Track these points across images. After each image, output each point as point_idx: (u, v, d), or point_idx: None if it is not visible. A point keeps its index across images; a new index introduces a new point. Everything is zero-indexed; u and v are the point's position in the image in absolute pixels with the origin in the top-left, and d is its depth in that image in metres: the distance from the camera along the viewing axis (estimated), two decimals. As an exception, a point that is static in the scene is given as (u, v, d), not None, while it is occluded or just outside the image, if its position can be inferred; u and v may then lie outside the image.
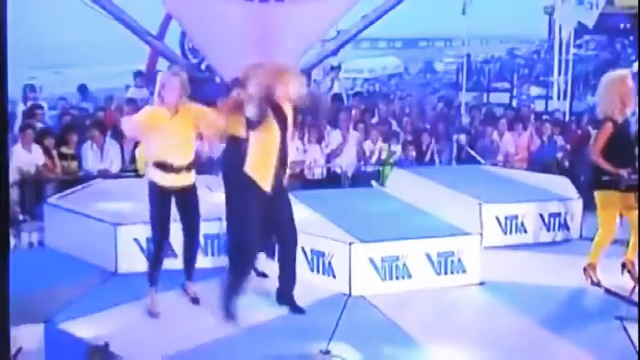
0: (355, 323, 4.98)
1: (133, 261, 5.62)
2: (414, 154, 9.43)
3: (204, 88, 9.51)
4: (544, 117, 11.27)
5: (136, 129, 5.11)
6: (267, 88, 4.68)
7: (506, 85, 23.46)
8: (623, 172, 5.47)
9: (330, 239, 5.57)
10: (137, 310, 5.06)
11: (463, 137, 9.83)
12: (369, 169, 9.34)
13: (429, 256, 5.56)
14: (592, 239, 5.80)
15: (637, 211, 5.59)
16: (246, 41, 8.85)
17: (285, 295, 5.07)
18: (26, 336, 4.81)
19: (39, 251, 6.64)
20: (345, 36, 10.86)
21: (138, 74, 10.50)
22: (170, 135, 4.88)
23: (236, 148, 5.08)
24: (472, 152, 9.52)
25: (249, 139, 4.82)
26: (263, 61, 5.38)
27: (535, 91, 21.98)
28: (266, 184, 4.77)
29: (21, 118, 9.08)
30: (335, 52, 10.83)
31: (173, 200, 4.99)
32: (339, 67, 11.33)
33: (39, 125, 8.73)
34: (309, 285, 5.44)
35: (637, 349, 4.38)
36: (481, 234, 5.80)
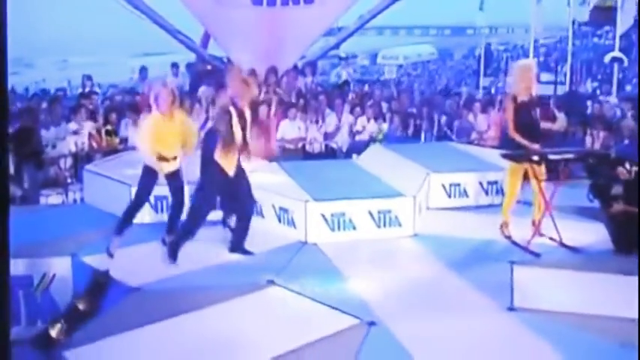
0: (304, 263, 5.91)
1: (143, 214, 6.64)
2: (400, 132, 10.21)
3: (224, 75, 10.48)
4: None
5: (144, 142, 5.93)
6: (231, 100, 5.60)
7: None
8: (533, 146, 6.18)
9: (293, 198, 6.50)
10: (141, 250, 6.10)
11: (444, 119, 10.53)
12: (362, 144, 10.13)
13: (370, 213, 6.43)
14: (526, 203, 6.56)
15: (542, 182, 6.32)
16: (257, 38, 9.76)
17: (236, 245, 6.01)
18: (59, 265, 5.90)
19: (80, 205, 7.79)
20: (345, 32, 11.66)
21: (174, 65, 11.49)
22: (163, 134, 5.82)
23: (212, 139, 5.96)
24: (448, 131, 10.23)
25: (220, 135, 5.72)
26: (231, 73, 6.18)
27: (545, 77, 22.21)
28: (230, 170, 5.71)
29: (77, 101, 10.17)
30: (337, 46, 11.65)
31: (164, 180, 5.96)
32: (346, 58, 12.09)
33: (91, 107, 9.82)
34: (275, 234, 6.41)
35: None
36: (415, 196, 6.58)
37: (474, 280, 5.53)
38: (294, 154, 9.88)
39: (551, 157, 6.19)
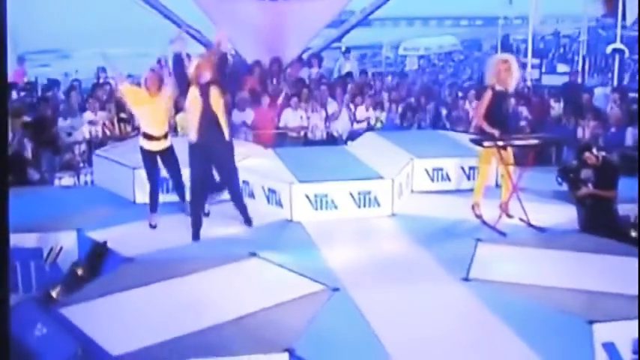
0: (286, 239, 6.50)
1: (145, 194, 7.25)
2: (397, 121, 10.72)
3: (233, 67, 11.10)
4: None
5: (124, 94, 6.63)
6: (196, 74, 6.14)
7: (536, 61, 23.95)
8: (497, 133, 6.65)
9: (280, 181, 7.07)
10: (142, 226, 6.74)
11: (444, 111, 11.00)
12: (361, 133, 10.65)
13: (351, 194, 6.98)
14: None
15: (510, 167, 6.80)
16: (261, 31, 10.33)
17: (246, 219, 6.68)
18: (66, 238, 6.57)
19: (90, 187, 8.48)
20: (347, 24, 12.17)
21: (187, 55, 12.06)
22: (151, 114, 6.46)
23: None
24: (445, 120, 10.70)
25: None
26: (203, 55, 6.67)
27: (562, 67, 22.38)
28: (193, 135, 6.24)
29: (91, 91, 10.86)
30: (339, 38, 12.17)
31: (159, 158, 6.59)
32: (348, 51, 12.58)
33: (104, 97, 10.50)
34: (264, 213, 6.99)
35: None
36: (393, 179, 7.10)
37: (438, 254, 6.05)
38: (297, 142, 10.47)
39: (516, 142, 6.65)
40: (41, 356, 4.12)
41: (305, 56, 11.91)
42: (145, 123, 6.52)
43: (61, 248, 6.54)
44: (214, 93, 6.17)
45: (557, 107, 11.07)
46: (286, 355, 4.32)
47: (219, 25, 10.85)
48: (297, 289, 5.28)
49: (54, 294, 5.20)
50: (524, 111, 10.92)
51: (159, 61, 10.94)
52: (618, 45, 13.20)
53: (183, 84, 6.20)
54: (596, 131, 9.64)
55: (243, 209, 6.68)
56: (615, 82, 13.27)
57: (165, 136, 6.59)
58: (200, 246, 6.29)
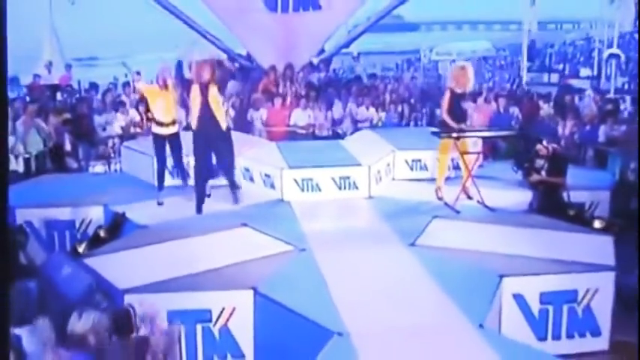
0: (273, 213, 7.84)
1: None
2: (395, 120, 11.97)
3: (249, 71, 12.57)
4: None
5: (141, 91, 8.08)
6: (197, 75, 7.54)
7: (560, 66, 24.83)
8: (455, 126, 7.85)
9: (273, 167, 8.42)
10: (151, 203, 8.15)
11: (438, 111, 12.17)
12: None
13: (333, 179, 8.29)
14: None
15: (465, 154, 7.99)
16: (274, 39, 11.73)
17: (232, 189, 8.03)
18: (94, 212, 8.04)
19: (119, 173, 10.00)
20: (355, 32, 13.51)
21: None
22: (161, 104, 7.88)
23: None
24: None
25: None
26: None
27: (585, 72, 23.17)
28: (194, 125, 7.65)
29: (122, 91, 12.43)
30: (347, 45, 13.49)
31: (167, 143, 8.02)
32: (358, 56, 13.90)
33: (135, 97, 12.04)
34: (260, 194, 8.34)
35: None
36: (370, 166, 8.38)
37: (398, 227, 7.29)
38: (305, 138, 11.81)
39: (467, 134, 7.86)
40: (66, 287, 5.53)
41: (316, 61, 13.28)
42: (156, 112, 7.95)
43: (90, 220, 8.04)
44: (212, 91, 7.56)
45: (545, 108, 12.16)
46: (251, 291, 5.65)
47: (238, 35, 12.32)
48: (272, 248, 6.61)
49: (80, 249, 6.62)
50: (515, 111, 12.05)
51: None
52: (615, 50, 14.13)
53: (184, 84, 7.62)
54: (573, 129, 10.71)
55: (233, 187, 8.01)
56: (612, 87, 14.20)
57: (173, 123, 8.00)
58: (202, 218, 7.68)
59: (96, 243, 6.81)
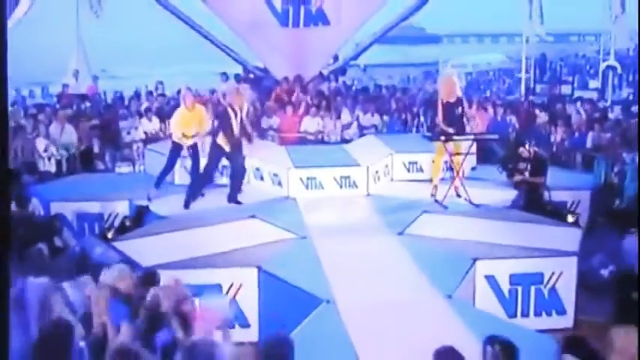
0: (280, 207, 8.80)
1: (184, 178, 9.63)
2: (398, 127, 12.90)
3: (265, 82, 13.63)
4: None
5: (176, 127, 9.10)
6: (229, 105, 8.60)
7: (570, 78, 25.57)
8: (448, 129, 8.76)
9: (281, 167, 9.40)
10: (175, 198, 9.14)
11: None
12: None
13: (334, 178, 9.24)
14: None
15: (459, 157, 8.89)
16: (286, 53, 12.76)
17: (232, 197, 8.95)
18: (121, 206, 9.06)
19: (143, 174, 11.03)
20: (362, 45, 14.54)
21: (223, 74, 14.62)
22: (186, 120, 8.90)
23: (216, 129, 8.99)
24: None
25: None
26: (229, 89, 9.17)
27: (593, 84, 23.88)
28: (227, 147, 8.66)
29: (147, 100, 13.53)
30: (355, 57, 14.49)
31: (186, 150, 9.04)
32: (364, 69, 14.91)
33: (157, 105, 13.11)
34: (268, 191, 9.32)
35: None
36: (368, 167, 9.32)
37: (390, 220, 8.21)
38: (314, 143, 12.77)
39: (455, 138, 8.76)
40: (99, 262, 6.54)
41: (326, 72, 14.29)
42: (179, 126, 8.95)
43: (117, 214, 9.06)
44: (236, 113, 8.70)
45: (541, 116, 13.01)
46: (256, 269, 6.61)
47: (253, 48, 13.35)
48: (276, 236, 7.56)
49: (108, 235, 7.63)
50: (512, 119, 12.92)
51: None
52: (612, 62, 14.94)
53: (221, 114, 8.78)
54: (562, 136, 11.56)
55: (236, 187, 8.98)
56: (609, 97, 15.00)
57: (193, 137, 8.98)
58: (216, 211, 8.65)
59: (121, 230, 7.82)
